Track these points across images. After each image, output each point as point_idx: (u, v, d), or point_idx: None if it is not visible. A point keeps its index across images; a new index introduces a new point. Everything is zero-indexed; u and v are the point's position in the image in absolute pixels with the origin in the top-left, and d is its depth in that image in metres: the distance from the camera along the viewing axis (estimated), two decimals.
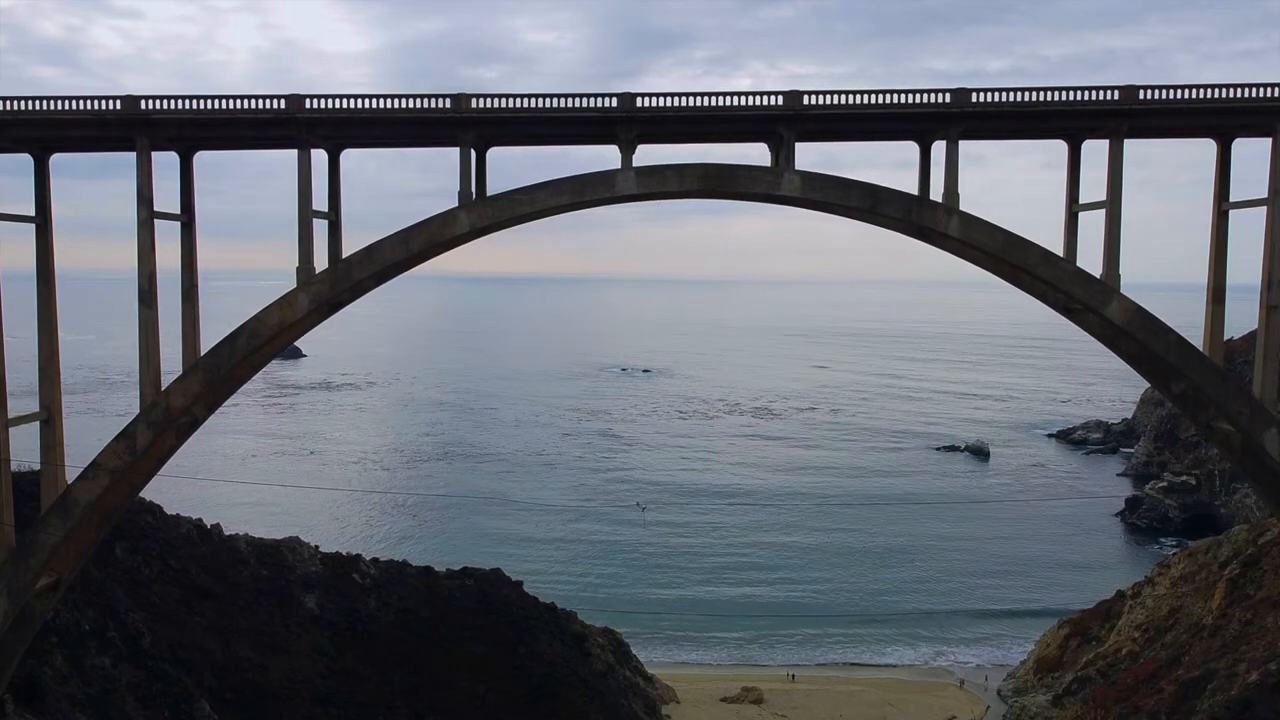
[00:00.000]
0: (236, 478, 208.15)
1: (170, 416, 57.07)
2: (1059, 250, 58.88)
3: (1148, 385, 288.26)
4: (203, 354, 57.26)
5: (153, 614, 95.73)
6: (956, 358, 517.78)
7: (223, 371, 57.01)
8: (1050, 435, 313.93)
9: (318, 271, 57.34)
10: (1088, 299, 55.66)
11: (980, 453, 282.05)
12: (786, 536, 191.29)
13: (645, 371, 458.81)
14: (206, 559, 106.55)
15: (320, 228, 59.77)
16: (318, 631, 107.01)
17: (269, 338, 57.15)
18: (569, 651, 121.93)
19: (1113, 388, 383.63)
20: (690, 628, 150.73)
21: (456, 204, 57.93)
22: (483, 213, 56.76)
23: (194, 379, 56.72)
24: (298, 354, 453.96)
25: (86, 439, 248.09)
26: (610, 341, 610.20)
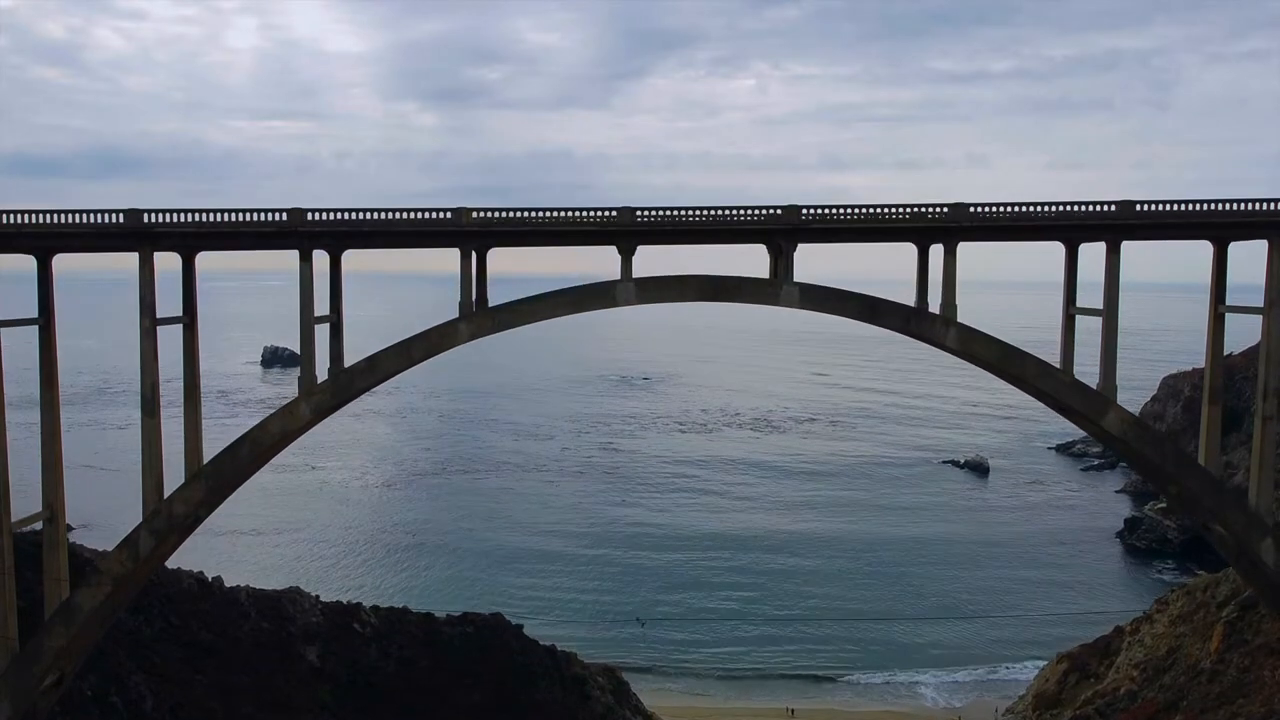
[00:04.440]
0: (234, 506, 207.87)
1: (173, 524, 57.54)
2: (1056, 351, 59.32)
3: (1148, 398, 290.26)
4: (205, 462, 57.63)
5: (154, 675, 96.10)
6: (956, 363, 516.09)
7: (225, 479, 57.45)
8: (1050, 448, 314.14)
9: (319, 380, 57.73)
10: (1084, 409, 56.05)
11: (979, 468, 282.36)
12: (782, 565, 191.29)
13: (645, 379, 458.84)
14: (208, 615, 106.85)
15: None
16: (319, 685, 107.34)
17: (270, 445, 57.53)
18: (569, 696, 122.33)
19: None
20: (688, 662, 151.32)
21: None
22: (483, 324, 57.23)
23: (196, 487, 57.22)
24: (296, 361, 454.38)
25: (86, 450, 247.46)
26: (610, 346, 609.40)
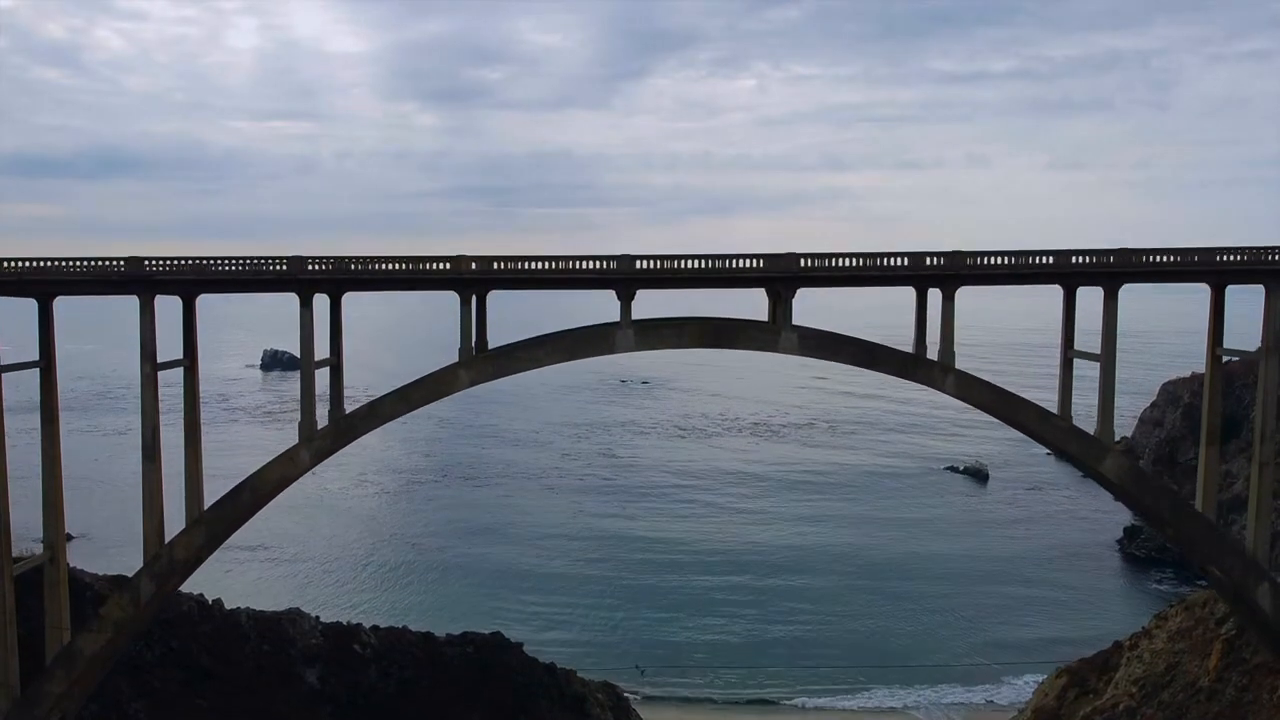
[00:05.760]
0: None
1: (174, 568, 57.76)
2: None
3: (1147, 404, 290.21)
4: (206, 508, 57.85)
5: (154, 700, 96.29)
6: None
7: (225, 524, 57.68)
8: (1049, 454, 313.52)
9: (320, 427, 57.93)
10: (1081, 455, 56.20)
11: (979, 475, 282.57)
12: (780, 579, 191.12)
13: (644, 383, 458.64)
14: (208, 638, 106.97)
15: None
16: (319, 707, 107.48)
17: (270, 490, 57.77)
18: (569, 715, 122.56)
19: None
20: (686, 677, 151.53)
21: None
22: (482, 369, 57.45)
23: (197, 533, 57.43)
24: (296, 365, 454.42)
25: (85, 457, 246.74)
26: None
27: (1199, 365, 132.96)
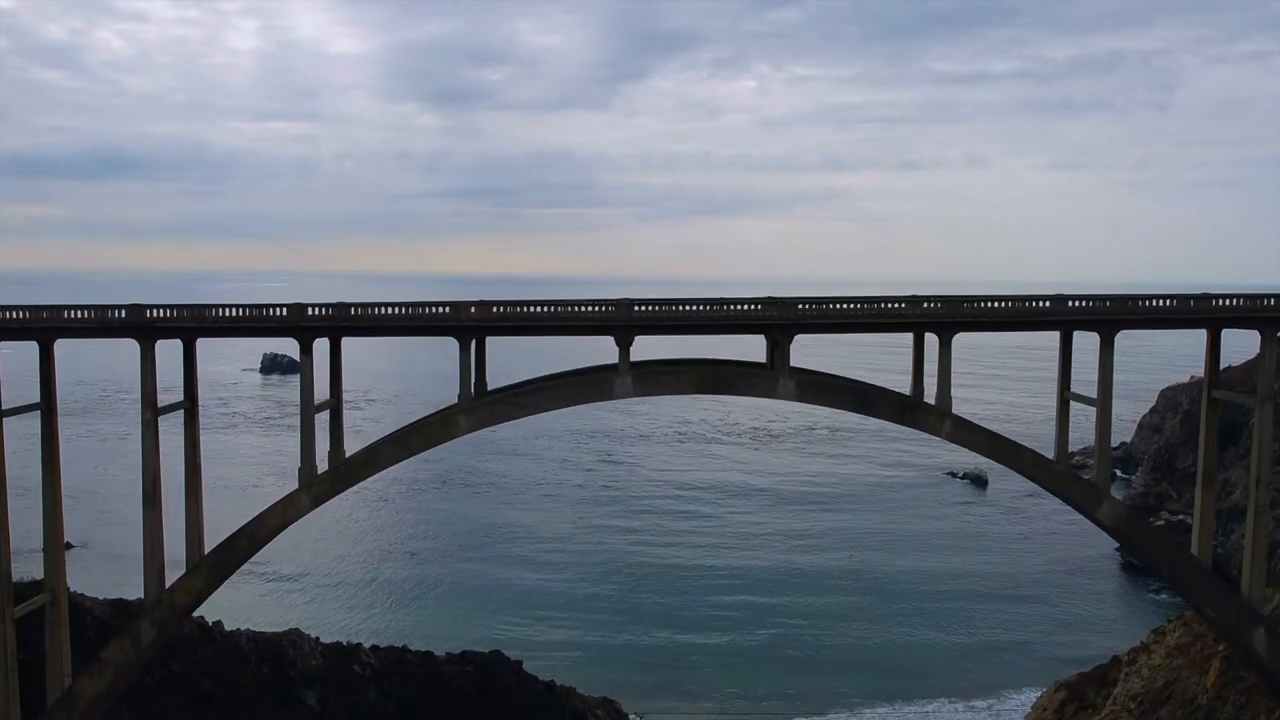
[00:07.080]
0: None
1: (174, 612, 58.05)
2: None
3: (1146, 410, 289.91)
4: (206, 552, 58.14)
5: None
6: (957, 370, 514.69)
7: (225, 568, 57.99)
8: (1049, 458, 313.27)
9: (320, 472, 58.19)
10: (1078, 499, 56.53)
11: (978, 480, 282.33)
12: (777, 592, 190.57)
13: None
14: (208, 661, 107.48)
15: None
16: None
17: (268, 535, 58.09)
18: None
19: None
20: (685, 692, 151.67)
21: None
22: (482, 415, 57.81)
23: (197, 577, 57.75)
24: (296, 369, 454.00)
25: (85, 459, 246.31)
26: (608, 351, 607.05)
27: (1194, 366, 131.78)
